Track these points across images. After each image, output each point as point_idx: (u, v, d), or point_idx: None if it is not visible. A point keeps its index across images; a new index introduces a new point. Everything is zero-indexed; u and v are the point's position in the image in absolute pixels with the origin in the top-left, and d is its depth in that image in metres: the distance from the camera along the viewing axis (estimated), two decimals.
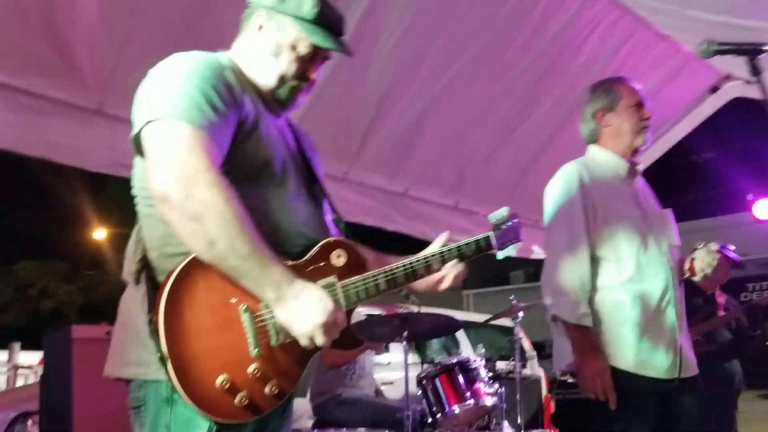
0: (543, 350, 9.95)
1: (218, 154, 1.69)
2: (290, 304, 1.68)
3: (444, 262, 2.00)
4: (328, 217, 2.06)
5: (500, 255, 2.09)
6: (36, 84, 3.34)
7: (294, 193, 1.88)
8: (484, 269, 23.13)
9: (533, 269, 21.09)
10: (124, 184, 1.97)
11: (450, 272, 2.01)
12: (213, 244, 1.61)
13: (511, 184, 5.71)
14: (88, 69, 3.47)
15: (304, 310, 1.69)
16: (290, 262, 1.78)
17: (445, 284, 2.03)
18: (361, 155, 4.84)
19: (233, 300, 1.68)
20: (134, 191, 1.84)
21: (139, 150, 1.73)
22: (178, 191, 1.59)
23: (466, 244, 2.03)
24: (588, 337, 2.75)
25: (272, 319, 1.70)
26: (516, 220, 2.11)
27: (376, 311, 5.86)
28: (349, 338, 1.87)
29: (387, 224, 5.17)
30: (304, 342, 1.72)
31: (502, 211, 2.10)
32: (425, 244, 2.08)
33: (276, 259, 1.67)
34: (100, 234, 22.71)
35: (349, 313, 1.86)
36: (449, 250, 2.01)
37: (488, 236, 2.07)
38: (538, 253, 6.54)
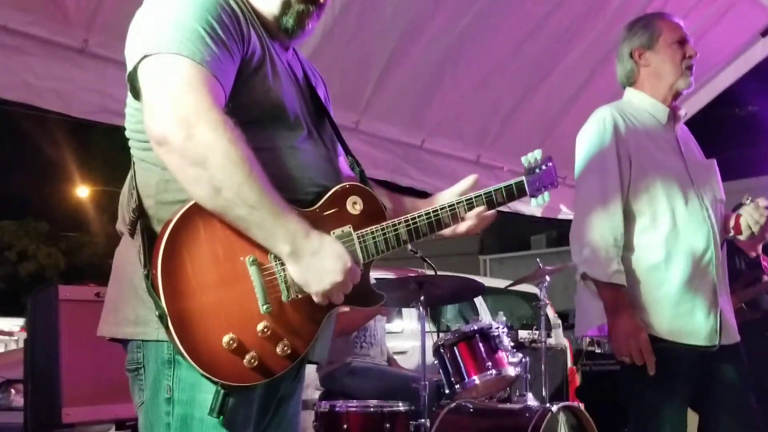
0: (566, 320, 10.00)
1: (222, 92, 1.67)
2: (307, 261, 1.68)
3: (471, 209, 2.01)
4: (342, 161, 2.05)
5: (534, 202, 2.10)
6: (13, 19, 3.30)
7: (304, 135, 1.88)
8: (503, 233, 23.15)
9: (556, 233, 21.11)
10: (112, 134, 1.97)
11: (474, 218, 2.02)
12: (218, 191, 1.61)
13: (538, 137, 5.70)
14: (72, 2, 3.43)
15: (322, 267, 1.69)
16: (303, 210, 1.78)
17: (463, 228, 2.04)
18: (373, 103, 4.83)
19: (239, 251, 1.67)
20: (127, 133, 1.83)
21: (133, 90, 1.72)
22: (178, 132, 1.58)
23: (496, 189, 2.04)
24: (622, 296, 2.75)
25: (282, 273, 1.70)
26: (551, 164, 2.11)
27: (387, 274, 5.92)
28: (369, 294, 1.87)
29: (400, 179, 5.17)
30: (318, 300, 1.72)
31: (536, 154, 2.10)
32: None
33: (289, 208, 1.67)
34: (83, 192, 22.71)
35: (367, 266, 1.86)
36: (477, 196, 2.02)
37: (521, 180, 2.07)
38: (565, 213, 6.54)
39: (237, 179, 1.61)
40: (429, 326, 5.76)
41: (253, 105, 1.77)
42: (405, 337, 6.95)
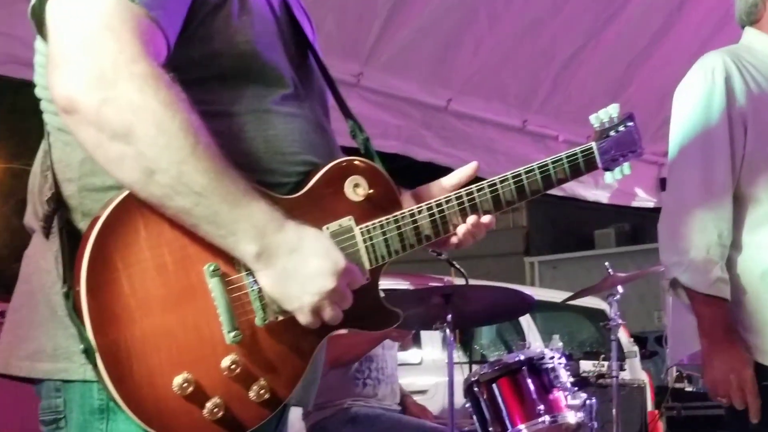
0: (645, 345, 9.99)
1: (161, 39, 1.66)
2: (282, 263, 1.67)
3: (522, 191, 2.01)
4: (333, 135, 2.04)
5: (609, 177, 2.11)
6: None
7: (286, 94, 1.87)
8: (558, 226, 23.22)
9: (630, 227, 21.18)
10: (20, 92, 1.94)
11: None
12: (150, 173, 1.59)
13: (604, 97, 5.59)
14: None
15: (304, 270, 1.68)
16: (281, 197, 1.77)
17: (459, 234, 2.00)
18: (380, 50, 4.81)
19: (195, 257, 1.68)
20: (39, 92, 1.81)
21: (42, 30, 1.69)
22: (90, 95, 1.56)
23: (555, 161, 2.04)
24: (723, 314, 2.75)
25: (257, 286, 1.71)
26: (632, 124, 2.11)
27: (401, 284, 5.93)
28: (379, 311, 1.89)
29: (417, 151, 5.20)
30: (304, 319, 1.71)
31: (611, 110, 2.11)
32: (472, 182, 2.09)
33: (255, 191, 1.68)
34: None
35: (376, 273, 1.86)
36: (529, 171, 2.02)
37: (590, 147, 2.07)
38: (642, 199, 6.54)
39: (176, 156, 1.58)
40: (458, 356, 5.75)
41: (212, 57, 1.77)
42: (425, 371, 6.97)
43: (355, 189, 1.86)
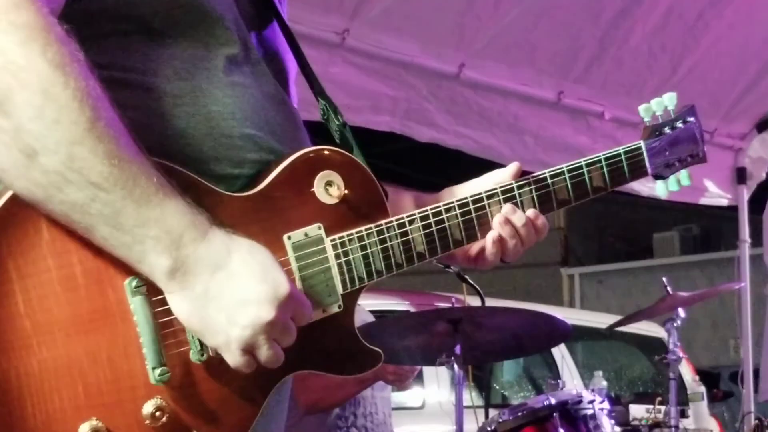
0: (716, 384, 9.98)
1: None
2: (200, 284, 1.66)
3: (548, 201, 2.04)
4: (301, 122, 2.03)
5: (661, 189, 2.14)
6: None
7: (235, 57, 1.87)
8: (603, 228, 23.14)
9: (699, 229, 21.15)
10: None
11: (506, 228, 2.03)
12: (31, 156, 1.58)
13: (661, 66, 5.72)
14: None
15: (230, 295, 1.66)
16: (229, 194, 1.77)
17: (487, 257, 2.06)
18: (371, 1, 4.82)
19: (113, 269, 1.66)
20: None
21: None
22: None
23: (590, 162, 2.06)
24: None
25: None
26: (693, 120, 2.13)
27: (397, 305, 5.87)
28: (353, 351, 1.88)
29: (418, 129, 5.22)
30: (231, 360, 1.69)
31: (666, 100, 2.11)
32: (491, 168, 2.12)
33: (170, 187, 1.66)
34: None
35: (351, 298, 1.86)
36: (556, 174, 2.04)
37: (637, 148, 2.09)
38: (714, 195, 6.54)
39: (67, 134, 1.58)
40: (471, 398, 5.72)
41: (128, 2, 1.76)
42: (428, 417, 6.98)
43: (328, 188, 1.86)
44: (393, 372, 4.56)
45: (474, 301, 4.64)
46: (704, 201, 6.57)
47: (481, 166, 2.18)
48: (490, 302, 4.71)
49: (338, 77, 4.69)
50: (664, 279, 5.32)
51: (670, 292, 5.21)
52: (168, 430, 1.68)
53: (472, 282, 4.59)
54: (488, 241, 2.02)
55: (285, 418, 1.95)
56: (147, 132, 1.67)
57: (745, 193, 7.00)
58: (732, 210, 7.30)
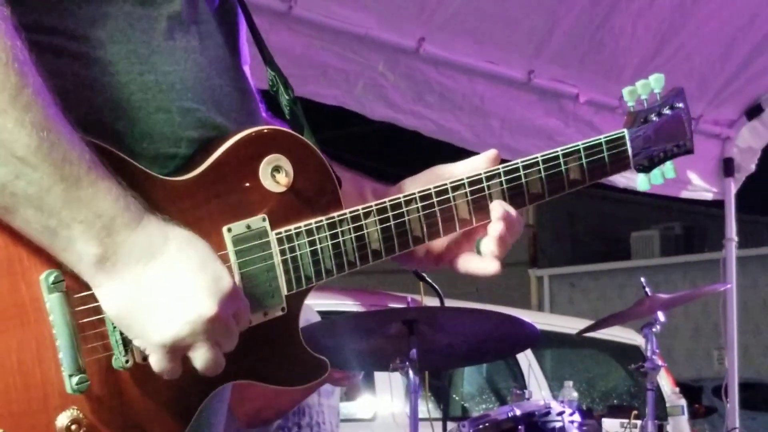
0: (698, 399, 10.06)
1: None
2: (132, 274, 1.65)
3: (512, 196, 2.03)
4: (254, 90, 2.04)
5: (643, 183, 2.15)
6: None
7: (175, 17, 1.85)
8: (576, 226, 23.28)
9: (681, 228, 21.32)
10: None
11: (494, 228, 2.01)
12: None
13: (645, 45, 5.75)
14: None
15: (166, 287, 1.65)
16: (162, 178, 1.76)
17: (483, 262, 2.04)
18: None
19: (28, 261, 1.65)
20: None
21: None
22: None
23: (568, 152, 2.06)
24: None
25: None
26: (681, 106, 2.14)
27: (346, 304, 5.94)
28: (296, 360, 1.88)
29: (371, 106, 5.24)
30: (158, 365, 1.68)
31: (653, 83, 2.12)
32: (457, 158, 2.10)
33: (102, 168, 1.65)
34: None
35: (296, 300, 1.85)
36: (530, 164, 2.04)
37: (620, 136, 2.10)
38: (697, 188, 6.58)
39: None
40: (428, 409, 5.73)
41: None
42: (380, 430, 7.02)
43: (275, 175, 1.84)
44: (341, 373, 4.57)
45: (432, 303, 4.64)
46: (687, 194, 6.58)
47: (442, 151, 2.15)
48: (450, 303, 4.71)
49: (281, 45, 4.68)
50: (642, 279, 5.34)
51: (649, 293, 5.23)
52: None
53: (430, 281, 4.60)
54: (492, 237, 2.00)
55: (221, 428, 1.94)
56: (74, 102, 1.66)
57: (733, 187, 7.01)
58: (718, 206, 7.33)
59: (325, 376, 1.91)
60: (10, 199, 1.59)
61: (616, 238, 21.92)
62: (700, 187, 6.51)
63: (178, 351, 1.66)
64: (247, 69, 2.03)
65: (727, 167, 6.87)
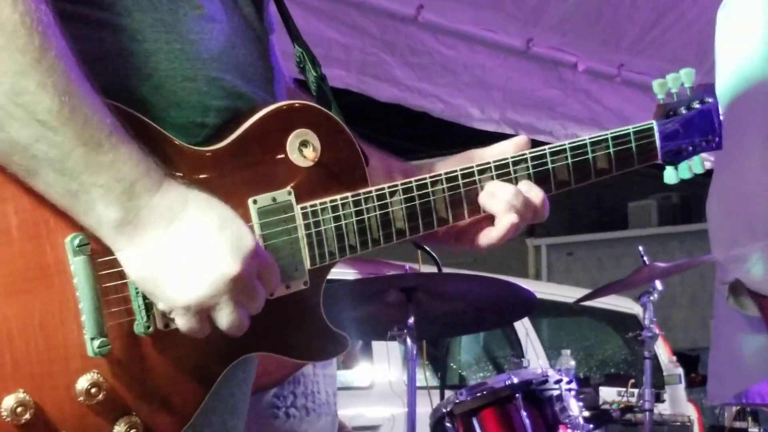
0: (695, 368, 10.07)
1: None
2: (153, 238, 1.66)
3: (538, 181, 2.04)
4: (278, 61, 2.04)
5: (671, 175, 2.14)
6: None
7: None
8: (574, 196, 23.10)
9: (680, 198, 21.25)
10: None
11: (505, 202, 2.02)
12: None
13: (649, 11, 5.71)
14: None
15: (188, 249, 1.66)
16: (189, 147, 1.77)
17: (496, 233, 2.04)
18: None
19: (53, 223, 1.66)
20: None
21: None
22: None
23: (595, 141, 2.07)
24: None
25: None
26: (711, 101, 2.15)
27: (343, 272, 5.96)
28: (318, 333, 1.88)
29: (374, 85, 5.21)
30: (184, 325, 1.69)
31: (683, 76, 2.13)
32: (460, 136, 2.10)
33: (124, 131, 1.66)
34: None
35: (318, 275, 1.86)
36: (558, 151, 2.05)
37: (649, 127, 2.10)
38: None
39: (12, 63, 1.57)
40: (426, 377, 5.75)
41: None
42: (377, 399, 7.01)
43: (302, 149, 1.84)
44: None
45: (429, 269, 4.64)
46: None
47: (450, 134, 2.16)
48: (447, 271, 4.70)
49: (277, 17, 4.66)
50: (640, 248, 5.35)
51: (647, 262, 5.24)
52: (102, 409, 1.67)
53: (428, 249, 4.59)
54: (503, 222, 2.00)
55: (246, 400, 1.96)
56: (100, 70, 1.66)
57: None
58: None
59: (344, 352, 1.92)
60: (31, 161, 1.60)
61: (614, 207, 21.80)
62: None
63: (203, 311, 1.67)
64: (273, 39, 2.03)
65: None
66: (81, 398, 1.65)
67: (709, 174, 2.72)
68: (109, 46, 1.71)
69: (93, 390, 1.66)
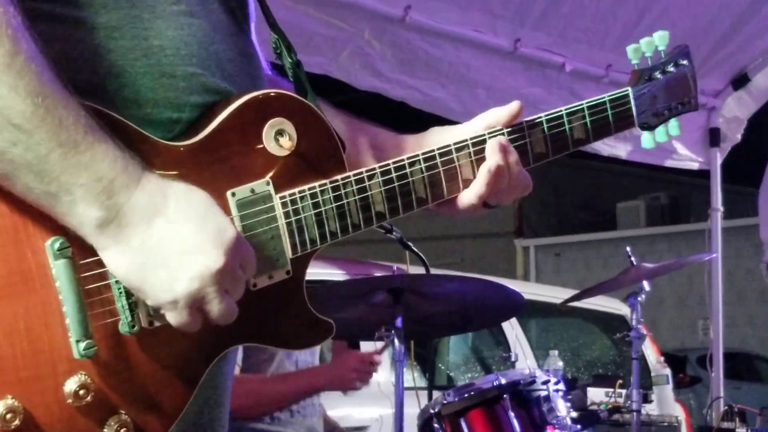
0: (683, 369, 10.06)
1: None
2: (137, 235, 1.66)
3: (524, 156, 2.04)
4: (258, 52, 2.04)
5: (648, 140, 2.15)
6: None
7: None
8: (562, 196, 23.12)
9: (667, 198, 21.23)
10: None
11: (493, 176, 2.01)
12: None
13: (628, 8, 5.76)
14: None
15: (171, 244, 1.66)
16: (165, 143, 1.76)
17: (471, 194, 2.04)
18: None
19: (33, 228, 1.65)
20: None
21: None
22: None
23: (572, 111, 2.07)
24: None
25: None
26: (686, 63, 2.16)
27: (331, 273, 5.96)
28: (303, 321, 1.88)
29: (360, 79, 5.24)
30: (176, 319, 1.70)
31: (657, 40, 2.13)
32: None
33: (100, 130, 1.65)
34: None
35: (300, 264, 1.86)
36: (534, 124, 2.05)
37: (624, 95, 2.11)
38: (683, 158, 6.64)
39: None
40: (414, 378, 5.73)
41: None
42: (365, 399, 6.72)
43: (278, 138, 1.85)
44: (355, 369, 4.53)
45: (417, 270, 4.63)
46: (672, 163, 6.54)
47: (427, 120, 2.15)
48: (435, 272, 4.70)
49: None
50: (627, 249, 5.34)
51: (635, 262, 5.24)
52: (92, 410, 1.67)
53: (416, 250, 4.59)
54: (482, 171, 1.99)
55: (226, 396, 1.96)
56: (75, 69, 1.67)
57: (719, 157, 6.97)
58: (703, 176, 7.28)
59: (329, 337, 1.91)
60: (9, 166, 1.60)
61: (602, 208, 21.79)
62: (685, 156, 6.47)
63: (192, 305, 1.68)
64: (252, 27, 2.03)
65: (713, 137, 6.83)
66: (70, 400, 1.65)
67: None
68: (86, 45, 1.71)
69: (81, 392, 1.66)
